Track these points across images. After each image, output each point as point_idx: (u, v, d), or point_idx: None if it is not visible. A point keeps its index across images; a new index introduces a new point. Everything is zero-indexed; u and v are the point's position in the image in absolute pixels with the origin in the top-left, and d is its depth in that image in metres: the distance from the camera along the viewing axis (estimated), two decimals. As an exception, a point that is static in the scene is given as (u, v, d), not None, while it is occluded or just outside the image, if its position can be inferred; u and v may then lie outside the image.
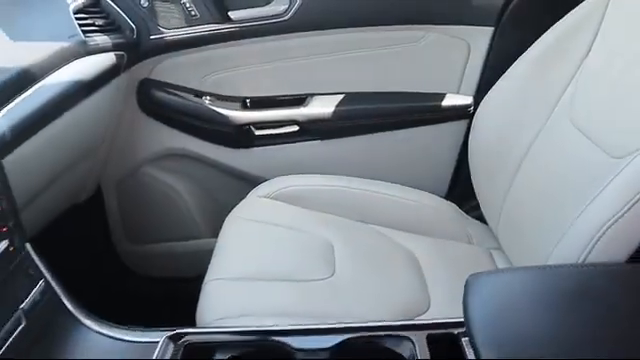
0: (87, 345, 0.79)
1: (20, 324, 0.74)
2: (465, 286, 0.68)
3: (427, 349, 0.73)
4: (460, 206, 1.38)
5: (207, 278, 1.02)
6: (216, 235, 1.32)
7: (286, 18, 1.39)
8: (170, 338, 0.77)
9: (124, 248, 1.62)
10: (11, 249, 0.78)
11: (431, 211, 1.34)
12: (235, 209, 1.26)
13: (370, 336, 0.76)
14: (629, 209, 0.71)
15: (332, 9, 1.40)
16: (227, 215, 1.27)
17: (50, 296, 0.80)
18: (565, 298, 0.66)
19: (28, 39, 1.07)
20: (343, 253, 1.11)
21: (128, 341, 0.78)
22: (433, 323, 0.79)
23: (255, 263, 1.06)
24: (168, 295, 1.49)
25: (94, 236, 1.59)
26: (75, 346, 0.78)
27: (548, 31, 1.15)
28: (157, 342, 0.77)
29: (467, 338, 0.70)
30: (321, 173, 1.37)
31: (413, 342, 0.74)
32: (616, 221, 0.72)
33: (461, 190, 1.42)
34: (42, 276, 0.81)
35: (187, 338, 0.78)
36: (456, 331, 0.74)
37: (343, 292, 1.00)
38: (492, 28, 1.37)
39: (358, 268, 1.08)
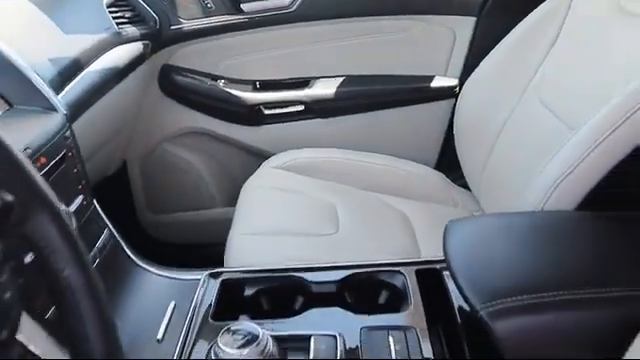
0: (143, 281, 0.97)
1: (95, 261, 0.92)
2: (445, 230, 0.87)
3: (416, 280, 0.92)
4: (447, 175, 1.55)
5: (231, 233, 1.20)
6: (230, 204, 1.49)
7: (292, 9, 1.56)
8: (210, 275, 0.96)
9: (146, 217, 1.79)
10: (84, 203, 0.96)
11: (421, 179, 1.51)
12: (251, 178, 1.44)
13: (370, 271, 0.95)
14: (574, 169, 0.89)
15: (332, 1, 1.56)
16: (240, 186, 1.44)
17: (113, 243, 0.98)
18: (524, 235, 0.85)
19: (75, 32, 1.23)
20: (345, 214, 1.29)
21: (175, 278, 0.96)
22: (420, 261, 0.98)
23: (272, 221, 1.24)
24: (186, 260, 1.67)
25: (120, 206, 1.76)
26: (134, 282, 0.96)
27: (522, 22, 1.32)
28: (199, 279, 0.95)
29: (447, 272, 0.88)
30: (324, 147, 1.54)
31: (405, 275, 0.93)
32: (564, 179, 0.90)
33: (448, 161, 1.59)
34: (106, 225, 0.99)
35: (223, 276, 0.96)
36: (439, 266, 0.93)
37: (346, 245, 1.18)
38: (475, 18, 1.54)
39: (357, 226, 1.26)
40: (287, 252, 1.13)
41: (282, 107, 1.64)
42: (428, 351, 0.78)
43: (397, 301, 0.90)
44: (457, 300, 0.86)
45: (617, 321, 0.69)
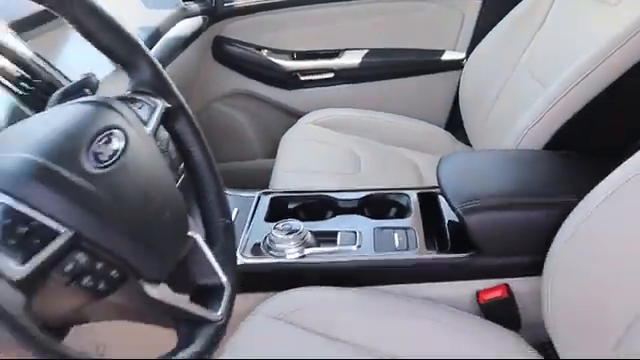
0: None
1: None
2: (438, 162, 1.16)
3: (417, 199, 1.22)
4: (454, 134, 1.84)
5: (275, 169, 1.51)
6: (269, 156, 1.78)
7: None
8: (263, 193, 1.27)
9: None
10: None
11: (432, 137, 1.80)
12: (289, 131, 1.74)
13: (382, 193, 1.25)
14: (540, 119, 1.18)
15: None
16: (277, 140, 1.73)
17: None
18: (497, 163, 1.14)
19: (154, 7, 1.54)
20: (365, 159, 1.58)
21: (236, 195, 1.27)
22: (421, 187, 1.27)
23: (307, 163, 1.54)
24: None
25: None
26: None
27: (515, 7, 1.59)
28: (254, 196, 1.26)
29: (441, 195, 1.18)
30: (350, 107, 1.84)
31: (409, 196, 1.23)
32: (533, 126, 1.18)
33: (455, 123, 1.87)
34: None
35: (272, 195, 1.27)
36: (435, 191, 1.22)
37: (364, 181, 1.48)
38: (481, 1, 1.82)
39: (375, 169, 1.55)
40: (319, 184, 1.43)
41: (315, 74, 1.94)
42: (422, 243, 1.08)
43: (402, 213, 1.20)
44: (447, 214, 1.16)
45: (559, 219, 0.97)
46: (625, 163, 0.84)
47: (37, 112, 0.71)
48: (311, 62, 1.93)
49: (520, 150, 1.19)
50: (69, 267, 0.50)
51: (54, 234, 0.49)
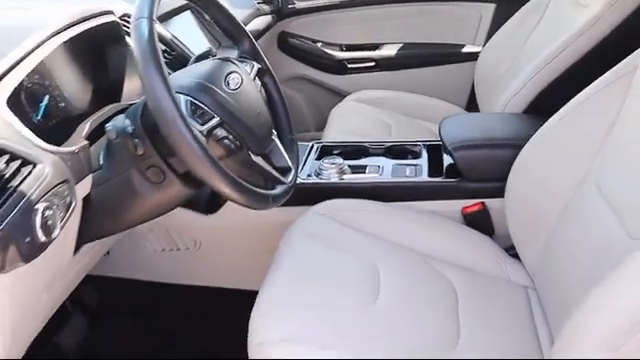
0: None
1: None
2: (440, 122, 1.59)
3: (426, 150, 1.66)
4: (469, 111, 2.26)
5: (325, 132, 1.98)
6: (319, 130, 2.26)
7: None
8: (315, 142, 1.74)
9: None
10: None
11: (449, 113, 2.22)
12: (336, 106, 2.20)
13: (402, 144, 1.71)
14: (519, 91, 1.60)
15: None
16: (327, 117, 2.20)
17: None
18: (483, 121, 1.58)
19: (235, 6, 2.02)
20: (395, 128, 2.03)
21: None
22: (429, 140, 1.72)
23: (350, 128, 1.99)
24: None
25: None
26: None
27: (521, 8, 2.00)
28: (309, 144, 1.73)
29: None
30: (389, 87, 2.29)
31: (420, 146, 1.67)
32: (513, 96, 1.61)
33: (473, 104, 2.29)
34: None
35: (322, 143, 1.73)
36: (438, 143, 1.66)
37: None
38: (495, 4, 2.25)
39: (401, 135, 2.00)
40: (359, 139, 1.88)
41: (359, 63, 2.41)
42: (425, 173, 1.52)
43: (415, 157, 1.64)
44: (446, 159, 1.59)
45: (516, 155, 1.39)
46: (554, 116, 1.27)
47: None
48: (356, 53, 2.41)
49: (499, 113, 1.62)
50: (218, 133, 0.98)
51: (211, 117, 0.98)
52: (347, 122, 2.06)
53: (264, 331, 1.05)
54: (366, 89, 2.29)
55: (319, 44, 2.42)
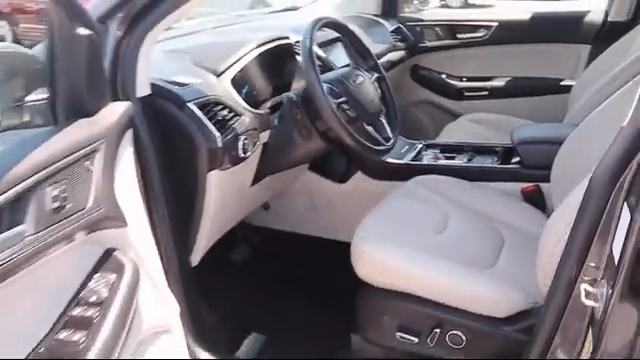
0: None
1: None
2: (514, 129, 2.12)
3: (505, 150, 2.19)
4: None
5: (437, 138, 2.57)
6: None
7: (485, 38, 2.90)
8: (424, 142, 2.34)
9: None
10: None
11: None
12: (450, 123, 2.75)
13: (486, 145, 2.25)
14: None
15: (504, 35, 2.87)
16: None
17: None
18: (545, 128, 2.09)
19: (376, 42, 2.70)
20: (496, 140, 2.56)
21: (408, 142, 2.35)
22: (506, 144, 2.24)
23: (455, 137, 2.56)
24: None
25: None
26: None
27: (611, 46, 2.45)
28: (419, 143, 2.33)
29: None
30: (497, 112, 2.82)
31: (501, 147, 2.20)
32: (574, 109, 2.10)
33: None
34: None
35: (427, 142, 2.33)
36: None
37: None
38: (590, 45, 2.72)
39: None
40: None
41: (474, 91, 2.98)
42: (496, 161, 2.06)
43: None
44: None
45: None
46: (587, 117, 1.76)
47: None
48: (473, 83, 2.98)
49: (561, 123, 2.10)
50: (344, 106, 1.65)
51: (340, 97, 1.65)
52: (455, 133, 2.62)
53: (367, 230, 1.64)
54: (478, 112, 2.84)
55: (443, 75, 3.03)
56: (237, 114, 1.59)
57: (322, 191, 2.24)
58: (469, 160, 2.11)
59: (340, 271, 1.61)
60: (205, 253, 1.70)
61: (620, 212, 1.04)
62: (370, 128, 1.73)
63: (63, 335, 0.98)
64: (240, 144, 1.55)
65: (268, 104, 1.76)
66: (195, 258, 1.66)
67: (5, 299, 0.91)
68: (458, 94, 3.00)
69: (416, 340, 1.53)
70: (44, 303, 1.00)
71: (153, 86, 1.43)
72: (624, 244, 0.99)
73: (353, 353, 1.69)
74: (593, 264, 1.10)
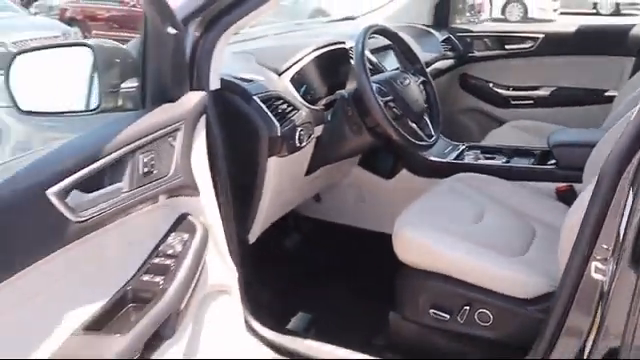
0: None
1: None
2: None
3: (541, 153, 2.32)
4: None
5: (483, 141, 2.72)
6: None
7: (532, 49, 3.03)
8: (467, 144, 2.49)
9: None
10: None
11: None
12: (495, 129, 2.89)
13: (526, 148, 2.38)
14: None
15: (551, 46, 2.99)
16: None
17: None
18: (579, 133, 2.21)
19: (427, 51, 2.87)
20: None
21: (452, 143, 2.50)
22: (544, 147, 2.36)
23: (497, 141, 2.70)
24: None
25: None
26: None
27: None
28: (462, 144, 2.48)
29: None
30: (542, 121, 2.94)
31: (539, 151, 2.33)
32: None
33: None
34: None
35: (470, 144, 2.48)
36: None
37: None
38: (635, 57, 2.82)
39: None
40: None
41: (521, 100, 3.11)
42: (532, 162, 2.20)
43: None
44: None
45: None
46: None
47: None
48: (518, 92, 3.11)
49: (595, 129, 2.22)
50: (390, 104, 1.83)
51: (388, 95, 1.84)
52: (498, 138, 2.76)
53: (410, 218, 1.81)
54: (522, 119, 2.97)
55: (490, 84, 3.16)
56: (295, 108, 1.79)
57: (370, 186, 2.42)
58: (507, 161, 2.25)
59: (382, 260, 1.78)
60: (261, 237, 1.90)
61: (627, 199, 1.19)
62: (414, 125, 1.90)
63: (146, 278, 1.19)
64: (297, 134, 1.75)
65: (323, 101, 1.96)
66: (252, 236, 1.86)
67: (100, 245, 1.13)
68: (504, 102, 3.13)
69: (448, 317, 1.69)
70: (131, 251, 1.21)
71: (223, 81, 1.64)
72: (627, 222, 1.13)
73: (391, 330, 1.85)
74: (605, 246, 1.25)
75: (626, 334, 1.12)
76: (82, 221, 1.03)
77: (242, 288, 1.69)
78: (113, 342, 1.03)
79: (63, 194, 1.00)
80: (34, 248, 0.97)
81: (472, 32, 3.22)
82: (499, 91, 3.14)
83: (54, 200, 0.98)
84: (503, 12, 14.56)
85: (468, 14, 3.49)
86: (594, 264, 1.26)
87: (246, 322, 1.74)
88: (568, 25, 3.02)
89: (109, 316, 1.09)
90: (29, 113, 1.32)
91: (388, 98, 1.84)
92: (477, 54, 3.18)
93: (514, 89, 3.13)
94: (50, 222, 0.99)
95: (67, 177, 1.01)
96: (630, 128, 1.18)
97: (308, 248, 2.54)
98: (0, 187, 0.97)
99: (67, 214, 1.00)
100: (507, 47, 3.11)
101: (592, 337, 1.23)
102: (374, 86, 1.82)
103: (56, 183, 0.99)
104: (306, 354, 1.77)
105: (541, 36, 3.03)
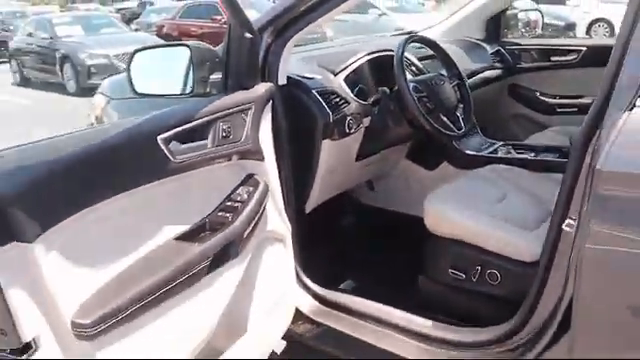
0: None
1: None
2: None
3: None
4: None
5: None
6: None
7: (576, 61, 3.31)
8: (503, 142, 2.81)
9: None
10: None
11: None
12: (536, 134, 3.19)
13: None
14: None
15: (592, 58, 3.25)
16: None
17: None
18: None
19: (474, 61, 3.21)
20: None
21: (488, 141, 2.83)
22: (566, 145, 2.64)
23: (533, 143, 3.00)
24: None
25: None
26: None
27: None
28: (498, 142, 2.80)
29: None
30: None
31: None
32: None
33: None
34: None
35: (505, 142, 2.80)
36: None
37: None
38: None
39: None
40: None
41: (564, 107, 3.38)
42: (556, 157, 2.50)
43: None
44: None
45: None
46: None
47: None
48: (564, 100, 3.38)
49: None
50: (424, 100, 2.21)
51: (422, 92, 2.22)
52: (537, 139, 3.05)
53: (440, 194, 2.17)
54: (565, 125, 3.24)
55: (537, 93, 3.45)
56: (346, 102, 2.20)
57: (416, 176, 2.79)
58: (536, 155, 2.56)
59: (422, 239, 2.16)
60: (321, 213, 2.32)
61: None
62: (445, 118, 2.27)
63: (221, 213, 1.63)
64: (346, 122, 2.16)
65: (372, 98, 2.36)
66: (308, 207, 2.28)
67: (189, 184, 1.57)
68: (550, 109, 3.41)
69: (463, 276, 2.04)
70: (210, 195, 1.65)
71: (289, 78, 2.08)
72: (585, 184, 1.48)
73: (420, 288, 2.22)
74: (575, 206, 1.59)
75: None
76: (178, 162, 1.48)
77: (296, 245, 2.11)
78: (192, 247, 1.47)
79: (168, 140, 1.46)
80: (142, 175, 1.42)
81: (520, 45, 3.53)
82: (545, 99, 3.42)
83: (161, 144, 1.44)
84: (588, 32, 14.46)
85: (523, 30, 3.79)
86: (567, 221, 1.59)
87: (297, 274, 2.15)
88: (608, 39, 3.27)
89: (192, 234, 1.53)
90: (143, 95, 1.81)
91: (422, 94, 2.23)
92: (525, 65, 3.48)
93: (560, 97, 3.40)
94: (156, 159, 1.45)
95: (172, 130, 1.47)
96: (595, 104, 1.51)
97: (359, 228, 2.94)
98: (120, 134, 1.43)
99: (169, 155, 1.46)
100: (553, 59, 3.39)
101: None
102: (411, 85, 2.21)
103: (165, 132, 1.45)
104: (348, 305, 2.16)
105: (584, 49, 3.30)
